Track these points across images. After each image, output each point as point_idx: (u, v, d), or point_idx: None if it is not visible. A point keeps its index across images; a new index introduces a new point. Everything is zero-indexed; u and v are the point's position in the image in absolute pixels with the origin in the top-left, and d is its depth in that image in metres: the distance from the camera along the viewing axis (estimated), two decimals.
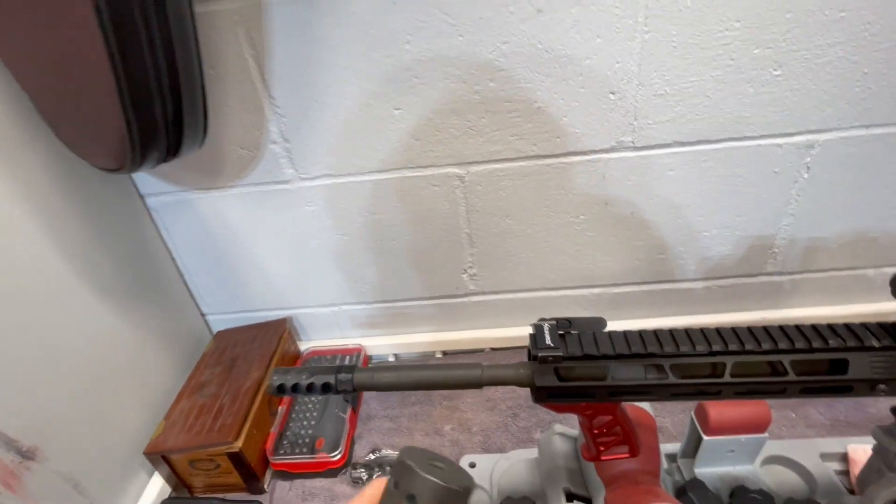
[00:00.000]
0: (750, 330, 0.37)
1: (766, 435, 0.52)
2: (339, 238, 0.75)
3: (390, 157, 0.67)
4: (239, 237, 0.77)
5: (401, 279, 0.80)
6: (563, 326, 0.39)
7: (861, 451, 0.58)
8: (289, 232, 0.75)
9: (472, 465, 0.63)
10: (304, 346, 0.87)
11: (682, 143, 0.64)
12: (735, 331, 0.37)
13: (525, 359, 0.41)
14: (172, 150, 0.50)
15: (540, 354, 0.37)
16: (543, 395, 0.38)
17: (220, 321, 0.88)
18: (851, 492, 0.56)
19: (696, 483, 0.52)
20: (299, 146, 0.67)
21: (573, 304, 0.81)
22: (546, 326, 0.39)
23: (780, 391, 0.37)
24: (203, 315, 0.87)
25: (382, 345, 0.86)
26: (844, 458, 0.60)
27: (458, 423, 0.75)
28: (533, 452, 0.62)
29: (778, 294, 0.78)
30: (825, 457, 0.59)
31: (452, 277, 0.79)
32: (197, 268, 0.81)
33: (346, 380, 0.41)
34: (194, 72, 0.48)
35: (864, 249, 0.72)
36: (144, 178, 0.72)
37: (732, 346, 0.36)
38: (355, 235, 0.75)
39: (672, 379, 0.37)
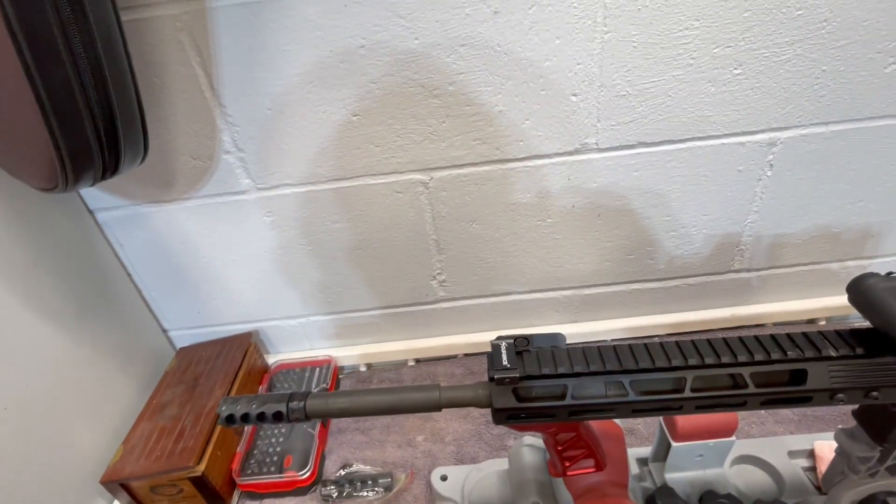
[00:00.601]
0: (710, 342, 0.37)
1: (733, 439, 0.52)
2: (303, 248, 0.73)
3: (350, 164, 0.65)
4: (198, 250, 0.74)
5: (369, 288, 0.78)
6: (521, 345, 0.38)
7: (827, 447, 0.59)
8: (249, 243, 0.73)
9: (444, 478, 0.62)
10: (271, 360, 0.85)
11: (647, 144, 0.63)
12: (695, 344, 0.37)
13: None
14: (111, 167, 0.47)
15: (496, 376, 0.36)
16: (502, 417, 0.37)
17: (184, 337, 0.84)
18: (818, 488, 0.56)
19: (666, 491, 0.51)
20: (254, 155, 0.64)
21: (544, 306, 0.80)
22: (503, 346, 0.38)
23: (741, 403, 0.36)
24: (165, 331, 0.83)
25: (353, 355, 0.84)
26: (812, 454, 0.60)
27: (431, 433, 0.73)
28: (506, 462, 0.61)
29: (746, 291, 0.78)
30: (793, 454, 0.59)
31: (421, 284, 0.77)
32: (155, 283, 0.78)
33: (299, 408, 0.39)
34: (127, 85, 0.45)
35: (827, 244, 0.73)
36: (93, 193, 0.68)
37: (692, 361, 0.35)
38: (319, 245, 0.73)
39: (632, 396, 0.36)
